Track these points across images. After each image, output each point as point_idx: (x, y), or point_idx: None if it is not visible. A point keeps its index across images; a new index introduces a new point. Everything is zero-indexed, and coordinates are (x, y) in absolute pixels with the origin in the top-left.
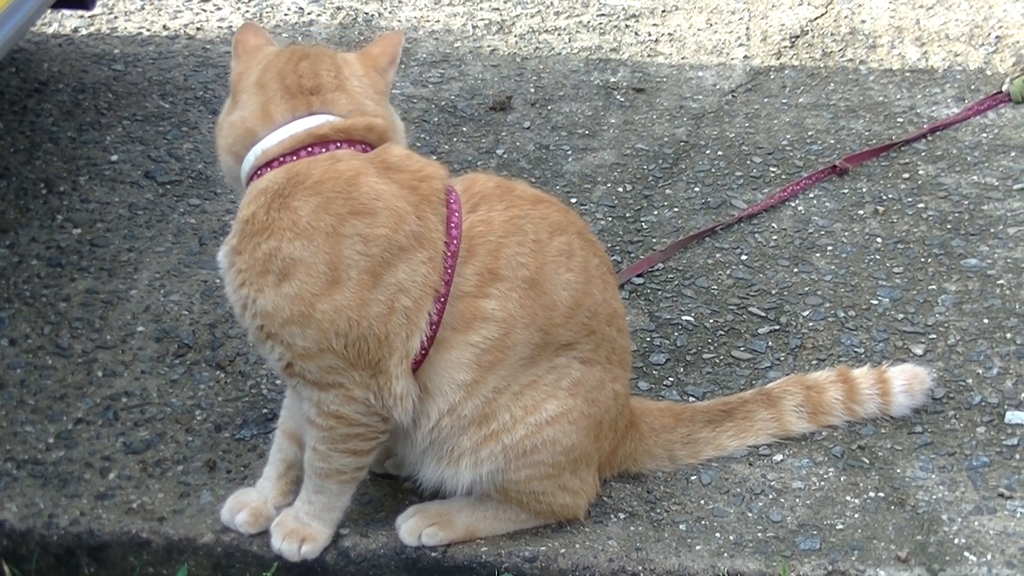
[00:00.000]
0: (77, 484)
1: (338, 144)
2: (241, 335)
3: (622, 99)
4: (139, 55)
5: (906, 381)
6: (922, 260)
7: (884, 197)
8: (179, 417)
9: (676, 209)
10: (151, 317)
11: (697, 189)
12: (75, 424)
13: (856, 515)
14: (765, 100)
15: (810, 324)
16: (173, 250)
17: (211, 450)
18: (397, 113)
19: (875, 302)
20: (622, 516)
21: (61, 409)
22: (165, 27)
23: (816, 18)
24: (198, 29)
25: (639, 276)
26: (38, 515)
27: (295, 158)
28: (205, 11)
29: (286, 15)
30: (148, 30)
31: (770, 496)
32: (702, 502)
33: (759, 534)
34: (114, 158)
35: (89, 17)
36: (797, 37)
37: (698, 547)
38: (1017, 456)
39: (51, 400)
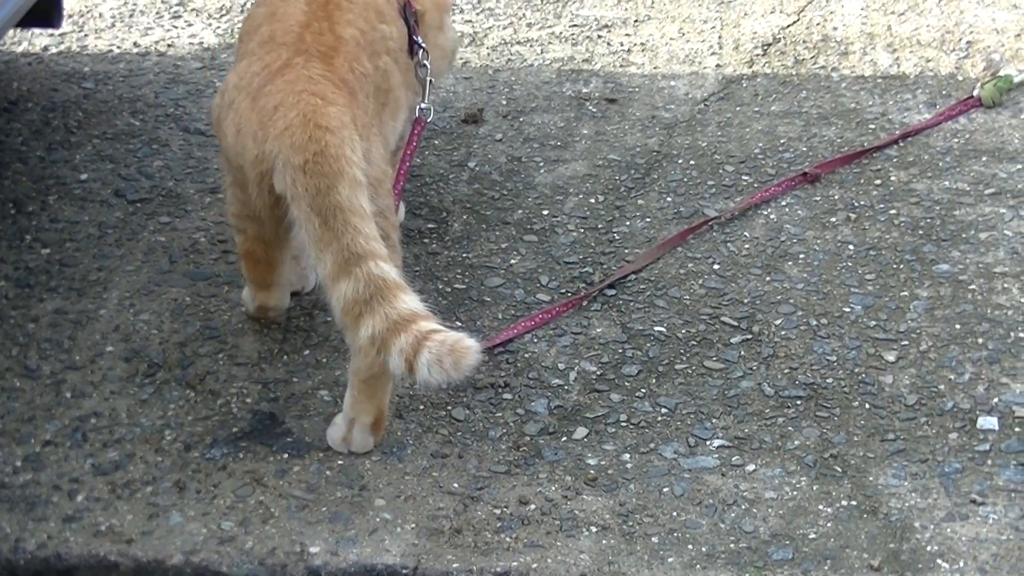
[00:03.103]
0: (44, 507)
1: None
2: (212, 353)
3: (594, 110)
4: (109, 73)
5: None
6: (894, 266)
7: (856, 204)
8: (148, 437)
9: (648, 219)
10: (120, 337)
11: (669, 199)
12: (43, 446)
13: (829, 524)
14: (737, 108)
15: (782, 333)
16: (143, 269)
17: (181, 470)
18: None
19: (847, 310)
20: (594, 530)
21: (29, 431)
22: (136, 44)
23: (788, 26)
24: (169, 46)
25: (611, 287)
26: (4, 539)
27: None
28: (176, 28)
29: None
30: (118, 48)
31: (743, 506)
32: (674, 514)
33: (732, 545)
34: (84, 177)
35: (59, 35)
36: (769, 45)
37: (671, 559)
38: (989, 462)
39: (19, 422)
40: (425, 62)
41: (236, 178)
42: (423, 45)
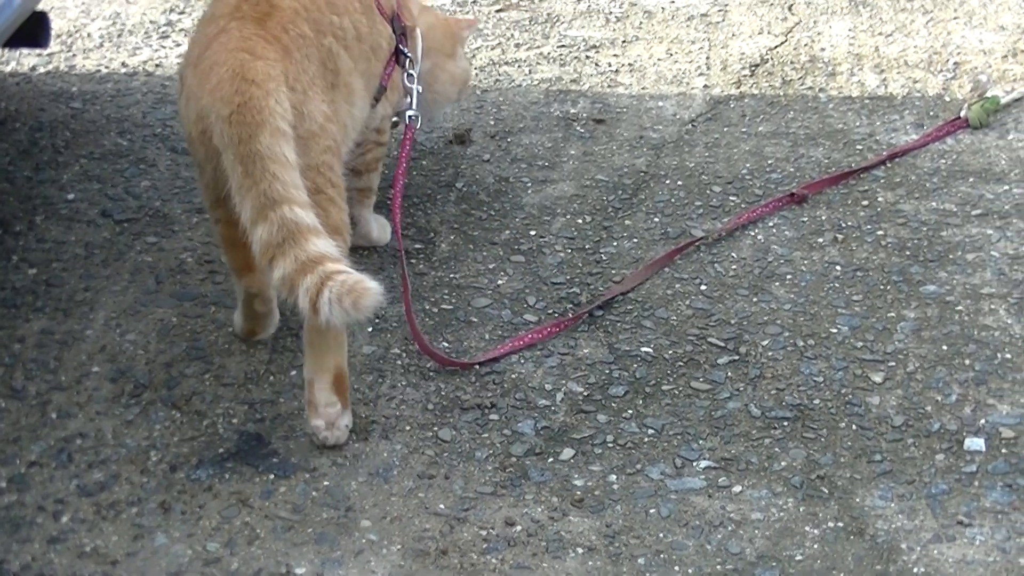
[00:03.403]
0: (29, 528)
1: None
2: (198, 373)
3: (582, 130)
4: (97, 93)
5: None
6: (881, 287)
7: (843, 224)
8: (134, 458)
9: (636, 240)
10: (107, 357)
11: (657, 219)
12: (28, 467)
13: (815, 546)
14: (725, 129)
15: (769, 354)
16: (129, 289)
17: (166, 491)
18: None
19: (834, 330)
20: (580, 551)
21: (14, 452)
22: (124, 64)
23: (776, 47)
24: (157, 66)
25: (600, 308)
26: None
27: None
28: (164, 47)
29: None
30: (107, 67)
31: (729, 528)
32: (661, 535)
33: (718, 567)
34: (71, 197)
35: (47, 55)
36: (757, 66)
37: None
38: (976, 483)
39: (3, 443)
40: (411, 71)
41: (197, 159)
42: (409, 55)
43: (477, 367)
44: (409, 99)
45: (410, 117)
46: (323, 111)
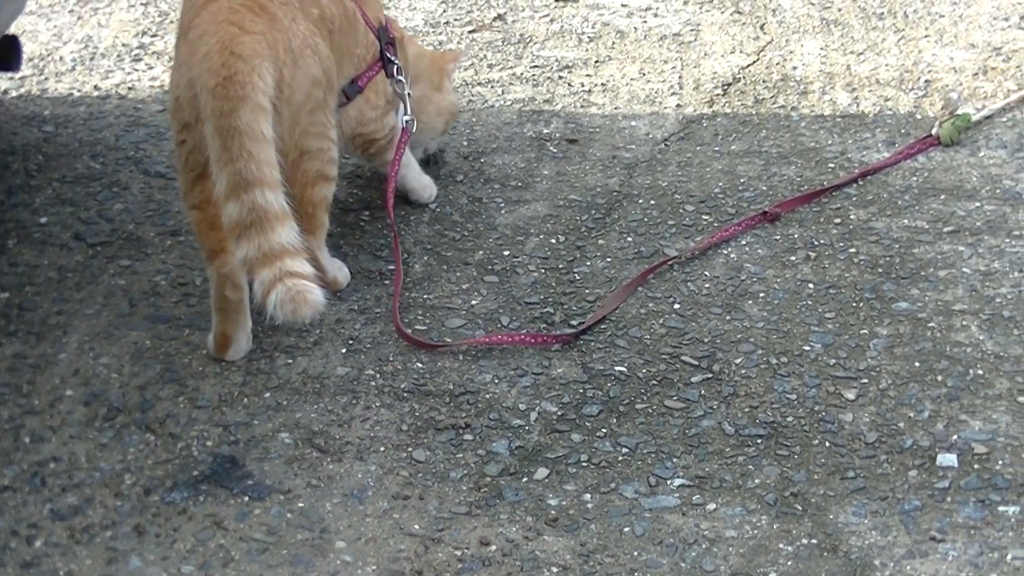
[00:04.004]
0: (2, 553)
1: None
2: (172, 396)
3: (555, 150)
4: (70, 116)
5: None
6: (854, 305)
7: (816, 242)
8: (108, 481)
9: (609, 259)
10: (80, 380)
11: (630, 239)
12: (1, 492)
13: (789, 562)
14: (698, 148)
15: (743, 372)
16: (103, 312)
17: (140, 514)
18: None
19: (807, 348)
20: (555, 570)
21: None
22: (96, 87)
23: (748, 66)
24: (130, 89)
25: (571, 327)
26: None
27: None
28: (137, 71)
29: None
30: (79, 91)
31: (703, 545)
32: (635, 553)
33: None
34: (43, 220)
35: (18, 79)
36: (729, 85)
37: None
38: (949, 499)
39: None
40: (400, 78)
41: (182, 124)
42: (396, 62)
43: (451, 387)
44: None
45: (405, 122)
46: (312, 75)
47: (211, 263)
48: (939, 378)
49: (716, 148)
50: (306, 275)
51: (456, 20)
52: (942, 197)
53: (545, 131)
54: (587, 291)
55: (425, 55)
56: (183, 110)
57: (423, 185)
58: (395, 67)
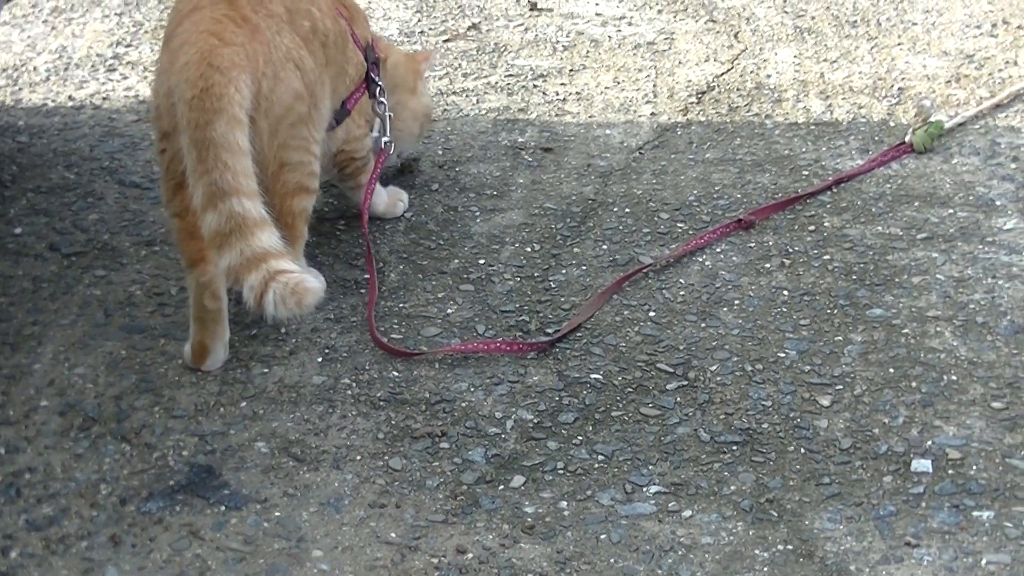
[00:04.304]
0: None
1: None
2: (148, 406)
3: (530, 159)
4: (44, 126)
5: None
6: (828, 311)
7: (790, 250)
8: (83, 492)
9: (584, 267)
10: (55, 391)
11: (605, 247)
12: None
13: (765, 568)
14: (672, 156)
15: (718, 379)
16: (78, 322)
17: (116, 524)
18: None
19: (782, 355)
20: None
21: None
22: (71, 98)
23: (722, 74)
24: (104, 99)
25: (546, 335)
26: None
27: None
28: (111, 80)
29: None
30: (53, 101)
31: (679, 552)
32: (612, 560)
33: None
34: (18, 231)
35: None
36: (703, 93)
37: None
38: (923, 504)
39: None
40: (382, 99)
41: (162, 132)
42: (381, 84)
43: (427, 396)
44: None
45: (384, 143)
46: (294, 89)
47: (191, 272)
48: (913, 384)
49: (690, 156)
50: (296, 270)
51: (431, 29)
52: (916, 204)
53: (520, 140)
54: (562, 299)
55: (401, 63)
56: (162, 119)
57: (393, 203)
58: (378, 88)
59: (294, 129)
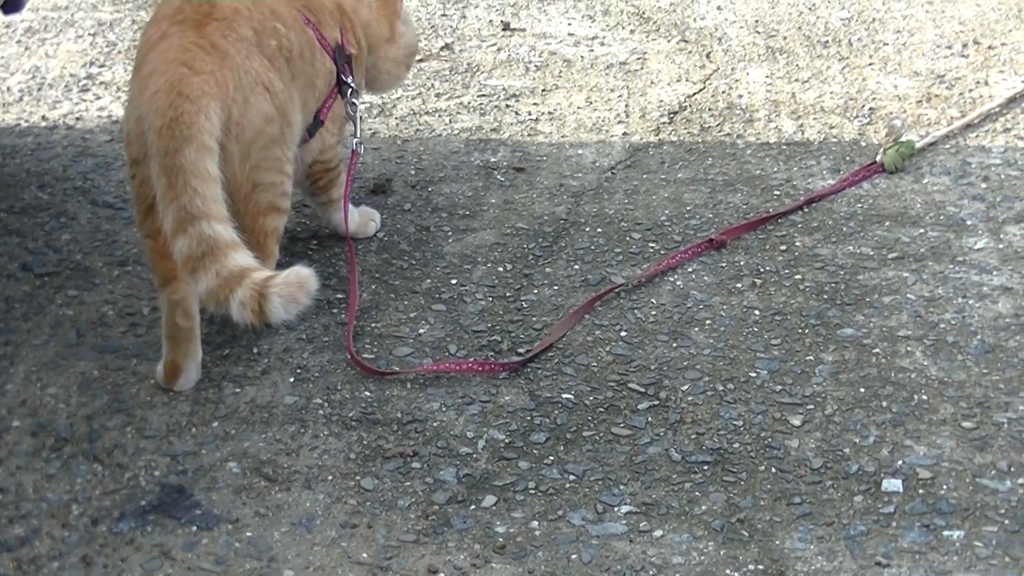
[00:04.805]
0: None
1: None
2: (120, 426)
3: (502, 179)
4: (17, 146)
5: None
6: (799, 331)
7: (761, 269)
8: (55, 512)
9: (556, 287)
10: (27, 411)
11: (577, 266)
12: None
13: None
14: (644, 176)
15: (689, 399)
16: (50, 342)
17: (87, 545)
18: None
19: (753, 374)
20: None
21: None
22: (44, 118)
23: (694, 94)
24: (77, 119)
25: (517, 355)
26: None
27: None
28: (85, 100)
29: None
30: (26, 121)
31: (651, 572)
32: None
33: None
34: None
35: None
36: (675, 113)
37: None
38: (894, 524)
39: None
40: (354, 100)
41: (133, 159)
42: (352, 85)
43: (399, 416)
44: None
45: (356, 144)
46: (264, 112)
47: (163, 290)
48: (884, 404)
49: (662, 176)
50: (279, 272)
51: None
52: (886, 224)
53: (492, 160)
54: (534, 319)
55: (373, 19)
56: (132, 145)
57: (365, 223)
58: (350, 89)
59: (266, 151)
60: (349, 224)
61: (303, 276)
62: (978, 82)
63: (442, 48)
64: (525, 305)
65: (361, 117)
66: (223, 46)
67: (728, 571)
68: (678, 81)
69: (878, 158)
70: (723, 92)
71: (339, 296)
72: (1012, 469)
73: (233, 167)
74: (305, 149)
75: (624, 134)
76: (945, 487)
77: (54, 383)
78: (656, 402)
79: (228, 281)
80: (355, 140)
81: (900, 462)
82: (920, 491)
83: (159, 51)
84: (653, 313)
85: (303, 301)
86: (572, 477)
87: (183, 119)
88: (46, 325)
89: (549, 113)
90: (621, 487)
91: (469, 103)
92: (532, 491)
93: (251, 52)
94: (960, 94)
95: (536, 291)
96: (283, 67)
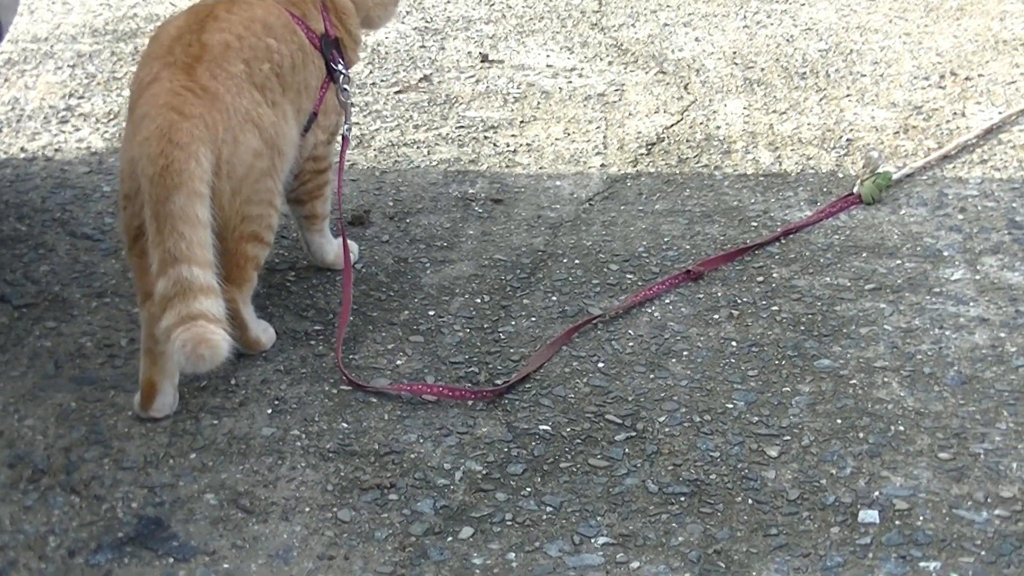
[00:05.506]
0: None
1: None
2: (97, 458)
3: (480, 210)
4: None
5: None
6: (776, 362)
7: (739, 301)
8: (32, 544)
9: (534, 319)
10: (4, 443)
11: (555, 298)
12: None
13: None
14: (622, 207)
15: (666, 430)
16: (28, 374)
17: None
18: None
19: (730, 406)
20: None
21: None
22: (23, 149)
23: (671, 125)
24: (56, 151)
25: (494, 386)
26: None
27: None
28: (64, 132)
29: None
30: (5, 153)
31: None
32: None
33: None
34: None
35: None
36: (653, 144)
37: None
38: (871, 555)
39: None
40: (345, 86)
41: (125, 193)
42: (343, 71)
43: (376, 447)
44: (344, 117)
45: (345, 130)
46: (253, 148)
47: (143, 305)
48: (861, 435)
49: (640, 207)
50: (214, 321)
51: (383, 81)
52: (864, 255)
53: (470, 191)
54: (512, 350)
55: None
56: (125, 182)
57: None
58: (341, 75)
59: (257, 184)
60: (328, 255)
61: (208, 336)
62: (955, 113)
63: (421, 79)
64: (503, 336)
65: (352, 104)
66: (212, 88)
67: None
68: (656, 112)
69: (855, 189)
70: (701, 123)
71: (317, 328)
72: (988, 500)
73: (223, 202)
74: (301, 146)
75: (602, 165)
76: (922, 518)
77: (32, 414)
78: (633, 433)
79: (182, 321)
80: (344, 127)
81: (877, 493)
82: (897, 522)
83: (150, 94)
84: (630, 344)
85: (191, 359)
86: (549, 508)
87: (173, 166)
88: (24, 356)
89: (527, 144)
90: (598, 518)
91: (447, 134)
92: (509, 522)
93: (241, 88)
94: (937, 125)
95: (514, 322)
96: (275, 87)
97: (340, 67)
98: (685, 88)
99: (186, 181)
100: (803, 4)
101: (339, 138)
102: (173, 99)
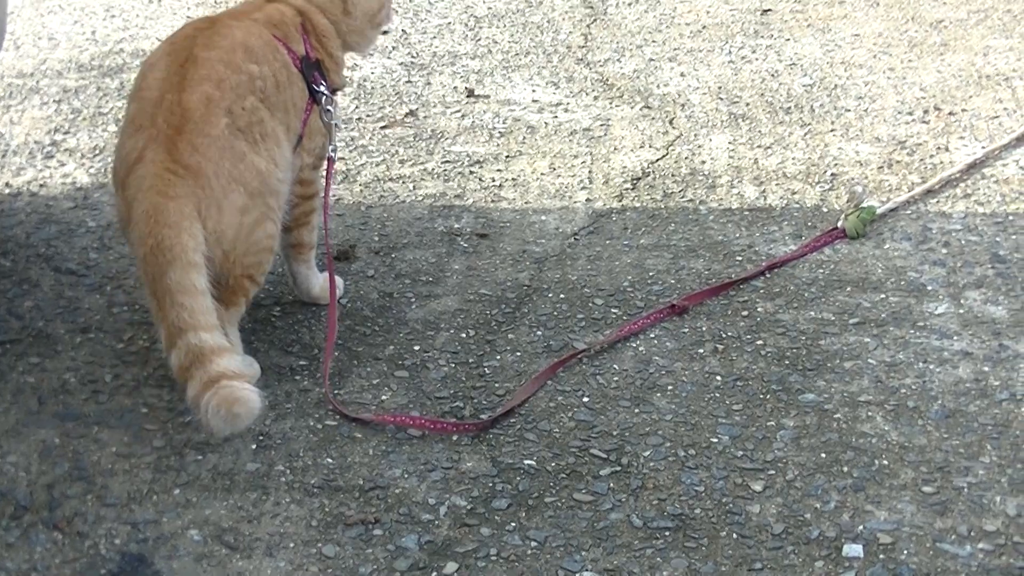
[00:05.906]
0: None
1: None
2: (80, 494)
3: (466, 245)
4: None
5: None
6: (761, 396)
7: (723, 335)
8: None
9: (519, 353)
10: None
11: (540, 333)
12: None
13: None
14: (607, 242)
15: (651, 464)
16: (11, 410)
17: None
18: None
19: (715, 440)
20: None
21: None
22: (7, 184)
23: (657, 160)
24: (41, 186)
25: (491, 424)
26: None
27: None
28: (49, 167)
29: None
30: None
31: None
32: None
33: None
34: None
35: None
36: (639, 179)
37: None
38: None
39: None
40: (329, 107)
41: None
42: (325, 92)
43: (361, 483)
44: (328, 139)
45: (332, 150)
46: (239, 206)
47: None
48: (845, 469)
49: (625, 242)
50: (236, 377)
51: (368, 116)
52: (848, 289)
53: (456, 226)
54: (497, 385)
55: (326, 3)
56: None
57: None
58: (323, 96)
59: (251, 236)
60: (314, 288)
61: (235, 396)
62: (939, 148)
63: (406, 115)
64: (488, 371)
65: (337, 125)
66: (194, 165)
67: None
68: (641, 147)
69: (840, 224)
70: (686, 158)
71: (302, 363)
72: (972, 534)
73: (219, 264)
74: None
75: (587, 200)
76: (906, 552)
77: (14, 451)
78: (618, 468)
79: (206, 386)
80: (330, 148)
81: (861, 527)
82: (881, 556)
83: (137, 176)
84: (615, 379)
85: (225, 419)
86: (534, 543)
87: (164, 244)
88: (7, 392)
89: (513, 179)
90: (583, 553)
91: (433, 169)
92: (494, 557)
93: (224, 148)
94: (921, 160)
95: (499, 357)
96: (262, 115)
97: (322, 88)
98: (670, 123)
99: (179, 255)
100: (788, 39)
101: (325, 163)
102: (156, 182)
